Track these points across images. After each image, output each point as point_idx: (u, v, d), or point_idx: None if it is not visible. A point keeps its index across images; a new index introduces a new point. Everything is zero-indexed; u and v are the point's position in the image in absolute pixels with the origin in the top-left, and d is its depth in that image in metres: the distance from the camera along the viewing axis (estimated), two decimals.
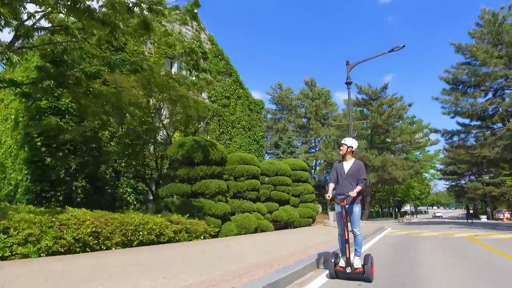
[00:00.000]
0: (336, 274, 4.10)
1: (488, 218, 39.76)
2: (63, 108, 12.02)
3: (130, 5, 6.48)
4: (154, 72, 9.50)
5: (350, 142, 4.45)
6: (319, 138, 35.25)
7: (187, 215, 8.20)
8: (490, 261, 5.76)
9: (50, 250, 5.09)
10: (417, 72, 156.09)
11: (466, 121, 24.03)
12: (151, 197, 15.87)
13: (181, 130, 12.84)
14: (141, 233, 6.46)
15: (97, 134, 12.95)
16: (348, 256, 4.00)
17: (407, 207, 66.04)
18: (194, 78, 8.59)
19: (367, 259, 4.00)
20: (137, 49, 14.83)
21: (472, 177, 42.82)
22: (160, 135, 13.60)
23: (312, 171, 36.74)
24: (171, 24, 9.04)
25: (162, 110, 11.41)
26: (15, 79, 11.97)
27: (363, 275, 3.92)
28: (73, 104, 11.96)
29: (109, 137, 13.50)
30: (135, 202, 14.57)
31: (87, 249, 5.61)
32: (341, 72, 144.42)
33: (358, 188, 4.13)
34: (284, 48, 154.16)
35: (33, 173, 11.67)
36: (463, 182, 44.01)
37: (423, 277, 4.33)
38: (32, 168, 11.67)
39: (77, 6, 5.33)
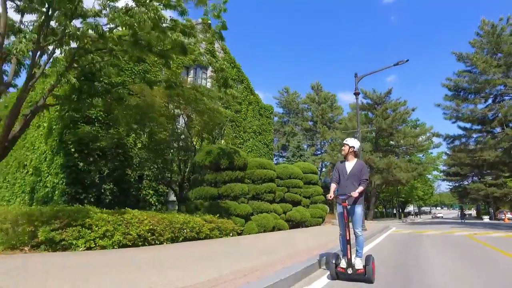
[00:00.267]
0: (337, 275, 4.07)
1: (490, 219, 40.58)
2: (93, 117, 13.24)
3: (168, 28, 7.57)
4: (184, 88, 10.66)
5: (352, 142, 4.42)
6: (325, 141, 36.36)
7: (218, 215, 9.36)
8: (484, 254, 6.87)
9: (121, 243, 6.26)
10: (420, 73, 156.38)
11: (467, 125, 25.17)
12: (170, 199, 17.14)
13: (202, 137, 14.00)
14: (185, 230, 7.62)
15: (123, 141, 14.17)
16: (349, 257, 3.96)
17: (410, 208, 66.88)
18: (221, 93, 9.76)
19: (368, 260, 3.98)
20: (157, 60, 16.03)
21: (475, 178, 43.51)
22: (180, 141, 14.75)
23: (319, 173, 37.85)
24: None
25: (186, 119, 12.57)
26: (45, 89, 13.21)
27: (365, 276, 3.89)
28: (101, 113, 13.17)
29: (133, 143, 14.72)
30: (156, 203, 15.78)
31: (146, 243, 6.77)
32: (344, 72, 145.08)
33: (360, 188, 4.09)
34: (288, 50, 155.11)
35: (68, 177, 12.93)
36: (466, 183, 44.69)
37: (424, 265, 5.43)
38: (67, 172, 12.93)
39: (139, 42, 6.50)
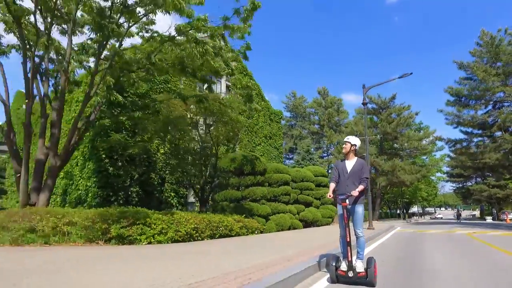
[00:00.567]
0: (337, 278, 3.92)
1: (493, 219, 41.50)
2: (119, 125, 14.51)
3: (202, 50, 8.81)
4: (210, 101, 11.94)
5: (354, 140, 4.34)
6: (332, 144, 37.55)
7: (243, 215, 10.63)
8: (478, 249, 8.09)
9: (173, 239, 7.54)
10: (423, 73, 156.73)
11: (469, 129, 26.34)
12: (189, 200, 18.48)
13: (223, 144, 15.28)
14: (220, 228, 8.91)
15: (148, 147, 15.47)
16: (350, 259, 3.83)
17: (415, 209, 67.78)
18: (246, 107, 11.04)
19: (370, 262, 3.84)
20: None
21: (479, 179, 44.33)
22: (197, 147, 16.01)
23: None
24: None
25: (207, 128, 13.84)
26: (77, 98, 14.53)
27: (366, 279, 3.74)
28: (128, 122, 14.43)
29: (155, 148, 16.04)
30: (177, 205, 17.10)
31: (191, 239, 8.05)
32: (348, 73, 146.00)
33: (361, 187, 4.00)
34: (292, 51, 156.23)
35: (100, 181, 14.29)
36: (470, 184, 45.54)
37: (426, 258, 6.67)
38: (99, 176, 14.29)
39: (186, 70, 7.80)
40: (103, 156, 14.18)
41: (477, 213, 64.68)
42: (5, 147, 27.52)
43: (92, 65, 9.87)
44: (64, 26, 9.29)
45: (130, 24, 8.83)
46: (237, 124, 12.62)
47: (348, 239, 3.88)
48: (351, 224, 4.11)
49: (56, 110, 9.10)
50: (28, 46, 9.04)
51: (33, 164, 9.70)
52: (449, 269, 5.14)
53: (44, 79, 9.56)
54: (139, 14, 8.71)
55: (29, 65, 9.11)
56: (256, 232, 10.69)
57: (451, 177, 45.89)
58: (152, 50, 8.98)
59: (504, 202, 41.13)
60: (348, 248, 3.85)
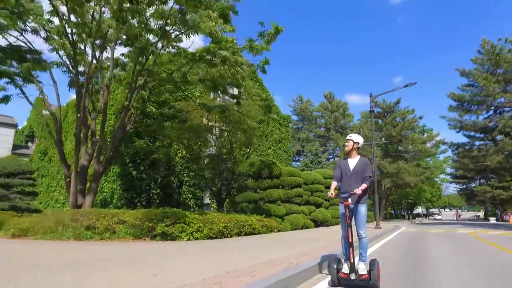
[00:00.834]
0: (339, 281, 3.79)
1: (497, 220, 42.24)
2: (143, 132, 15.64)
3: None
4: (231, 111, 13.07)
5: (356, 138, 4.25)
6: (338, 147, 38.59)
7: (263, 215, 11.73)
8: (474, 244, 9.13)
9: (208, 236, 8.65)
10: (426, 73, 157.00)
11: (471, 133, 27.29)
12: (205, 202, 19.61)
13: (240, 149, 16.39)
14: (246, 227, 10.01)
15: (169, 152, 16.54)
16: (352, 261, 3.71)
17: (419, 209, 68.46)
18: (265, 117, 12.16)
19: (373, 264, 3.71)
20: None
21: (482, 181, 45.00)
22: (210, 151, 17.09)
23: None
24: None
25: (226, 134, 14.96)
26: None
27: (369, 283, 3.62)
28: (149, 128, 15.47)
29: (174, 153, 17.15)
30: (194, 206, 18.22)
31: (222, 236, 9.15)
32: (352, 74, 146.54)
33: (364, 185, 3.91)
34: (295, 51, 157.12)
35: (125, 184, 15.44)
36: (473, 185, 46.19)
37: (428, 251, 7.72)
38: (124, 180, 15.44)
39: (218, 87, 8.94)
40: (127, 160, 15.30)
41: (481, 214, 65.21)
42: (24, 151, 28.74)
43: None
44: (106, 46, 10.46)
45: (165, 46, 9.97)
46: (254, 131, 13.71)
47: (350, 240, 3.76)
48: (353, 224, 3.99)
49: (100, 121, 10.26)
50: (73, 65, 10.25)
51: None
52: (447, 258, 6.20)
53: (86, 93, 10.74)
54: (173, 33, 9.85)
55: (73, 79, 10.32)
56: (274, 231, 11.79)
57: (455, 178, 46.58)
58: (183, 65, 10.08)
59: (507, 203, 41.76)
60: (350, 249, 3.75)
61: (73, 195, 9.79)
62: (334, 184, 4.20)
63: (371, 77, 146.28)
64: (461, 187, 50.33)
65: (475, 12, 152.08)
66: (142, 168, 15.92)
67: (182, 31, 9.38)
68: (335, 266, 3.83)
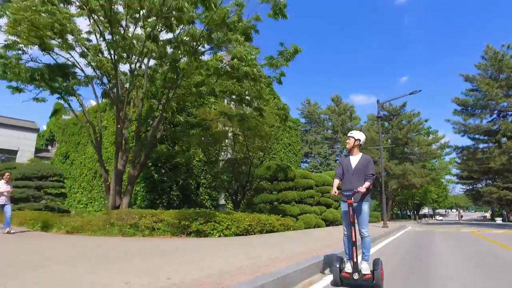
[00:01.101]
0: (341, 280, 3.75)
1: (503, 220, 42.79)
2: (168, 138, 16.77)
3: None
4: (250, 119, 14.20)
5: (358, 135, 4.20)
6: (345, 149, 39.43)
7: (280, 215, 12.81)
8: (477, 243, 10.13)
9: (235, 233, 9.76)
10: (431, 72, 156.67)
11: (475, 135, 28.17)
12: (220, 203, 20.74)
13: (255, 153, 17.51)
14: (266, 225, 11.11)
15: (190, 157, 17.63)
16: (355, 260, 3.69)
17: (425, 210, 68.96)
18: (281, 124, 13.25)
19: (376, 264, 3.69)
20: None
21: (489, 181, 45.45)
22: (225, 154, 18.20)
23: None
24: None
25: (238, 137, 16.10)
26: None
27: (373, 282, 3.59)
28: (175, 135, 16.59)
29: (192, 156, 18.28)
30: (210, 207, 19.35)
31: (247, 233, 10.25)
32: (357, 73, 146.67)
33: (367, 184, 3.87)
34: (304, 54, 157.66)
35: (148, 186, 16.60)
36: (480, 186, 46.65)
37: (432, 245, 8.75)
38: (147, 182, 16.61)
39: (243, 100, 10.07)
40: (150, 164, 16.46)
41: (488, 214, 65.52)
42: (45, 154, 30.13)
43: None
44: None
45: (194, 62, 11.11)
46: (270, 137, 14.81)
47: (354, 239, 3.75)
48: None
49: (136, 130, 11.45)
50: (110, 80, 11.47)
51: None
52: (447, 250, 7.25)
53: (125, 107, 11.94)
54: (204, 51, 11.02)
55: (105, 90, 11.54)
56: (291, 229, 12.87)
57: (461, 179, 47.11)
58: (207, 77, 11.22)
59: None
60: (354, 248, 3.72)
61: (112, 196, 10.97)
62: (336, 181, 4.18)
63: (377, 77, 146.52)
64: (467, 187, 50.87)
65: (479, 17, 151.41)
66: (163, 171, 17.10)
67: (211, 50, 10.53)
68: (337, 266, 3.79)
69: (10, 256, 5.26)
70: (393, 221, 32.10)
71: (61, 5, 9.54)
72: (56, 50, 11.16)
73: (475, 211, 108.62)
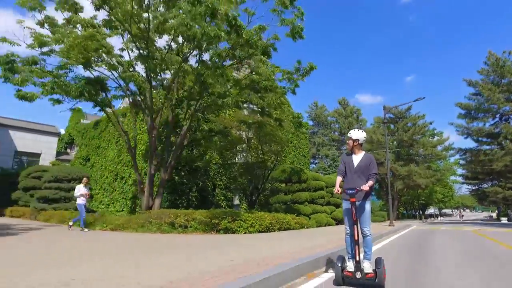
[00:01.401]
0: (343, 279, 3.76)
1: (509, 220, 43.43)
2: (184, 143, 17.87)
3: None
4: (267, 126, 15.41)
5: (356, 135, 4.17)
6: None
7: (295, 214, 14.03)
8: (476, 240, 11.25)
9: (258, 230, 11.00)
10: (438, 72, 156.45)
11: (478, 137, 29.19)
12: (235, 203, 21.97)
13: (270, 157, 18.74)
14: (284, 224, 12.35)
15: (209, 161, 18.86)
16: (358, 259, 3.73)
17: (431, 210, 69.57)
18: (295, 131, 14.47)
19: (379, 262, 3.71)
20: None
21: (495, 182, 45.99)
22: (240, 158, 19.38)
23: None
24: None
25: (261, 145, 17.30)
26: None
27: (375, 281, 3.60)
28: (198, 142, 17.75)
29: (209, 159, 19.46)
30: (225, 207, 20.55)
31: (267, 231, 11.48)
32: (362, 73, 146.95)
33: (370, 182, 3.90)
34: (310, 55, 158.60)
35: (169, 188, 17.84)
36: (485, 186, 47.18)
37: (434, 244, 9.90)
38: (168, 184, 17.83)
39: (264, 112, 11.33)
40: None
41: (494, 214, 66.00)
42: (65, 157, 31.59)
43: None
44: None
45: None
46: (285, 142, 16.03)
47: (356, 238, 3.77)
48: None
49: (166, 139, 12.77)
50: (144, 96, 12.81)
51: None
52: (446, 244, 8.41)
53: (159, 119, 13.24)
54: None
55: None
56: (304, 227, 14.09)
57: (467, 179, 47.70)
58: (228, 89, 12.47)
59: None
60: (356, 247, 3.74)
61: (146, 198, 12.29)
62: (339, 179, 4.20)
63: (382, 77, 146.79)
64: (473, 188, 51.42)
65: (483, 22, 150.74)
66: (182, 174, 18.36)
67: (233, 65, 11.79)
68: (339, 265, 3.80)
69: (109, 247, 6.57)
70: (399, 221, 33.07)
71: (105, 29, 10.84)
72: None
73: (482, 211, 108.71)
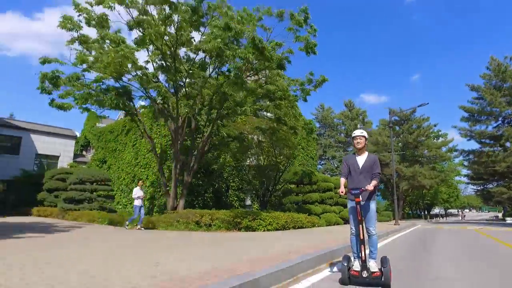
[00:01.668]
0: (350, 279, 3.75)
1: None
2: (206, 148, 18.91)
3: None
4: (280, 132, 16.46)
5: (366, 133, 4.26)
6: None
7: (307, 214, 15.08)
8: (477, 238, 12.22)
9: (275, 228, 12.06)
10: (442, 72, 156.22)
11: (481, 139, 30.07)
12: (246, 203, 23.03)
13: (281, 160, 19.81)
14: (298, 222, 13.41)
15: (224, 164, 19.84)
16: (364, 258, 3.73)
17: (437, 210, 70.11)
18: (306, 136, 15.52)
19: (384, 261, 3.71)
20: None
21: (500, 182, 46.40)
22: (251, 160, 20.40)
23: None
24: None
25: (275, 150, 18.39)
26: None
27: (381, 280, 3.60)
28: (216, 147, 18.71)
29: (223, 162, 20.47)
30: (238, 207, 21.59)
31: (283, 229, 12.54)
32: (366, 73, 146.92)
33: (374, 182, 3.93)
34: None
35: (186, 189, 18.87)
36: (490, 186, 47.60)
37: (436, 241, 10.89)
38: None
39: (281, 121, 12.42)
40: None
41: (500, 215, 66.38)
42: (81, 159, 32.90)
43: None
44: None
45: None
46: (297, 146, 17.08)
47: (362, 237, 3.79)
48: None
49: (191, 145, 13.91)
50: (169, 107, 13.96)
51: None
52: (446, 241, 9.41)
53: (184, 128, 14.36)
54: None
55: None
56: (316, 226, 15.14)
57: (472, 179, 48.21)
58: (245, 97, 13.55)
59: None
60: (362, 246, 3.75)
61: (172, 199, 13.43)
62: (343, 180, 4.19)
63: (388, 77, 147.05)
64: (478, 188, 51.89)
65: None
66: (198, 176, 19.47)
67: (253, 79, 12.88)
68: (345, 264, 3.82)
69: (174, 242, 7.70)
70: (404, 220, 33.94)
71: (135, 45, 11.98)
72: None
73: (489, 211, 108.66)
